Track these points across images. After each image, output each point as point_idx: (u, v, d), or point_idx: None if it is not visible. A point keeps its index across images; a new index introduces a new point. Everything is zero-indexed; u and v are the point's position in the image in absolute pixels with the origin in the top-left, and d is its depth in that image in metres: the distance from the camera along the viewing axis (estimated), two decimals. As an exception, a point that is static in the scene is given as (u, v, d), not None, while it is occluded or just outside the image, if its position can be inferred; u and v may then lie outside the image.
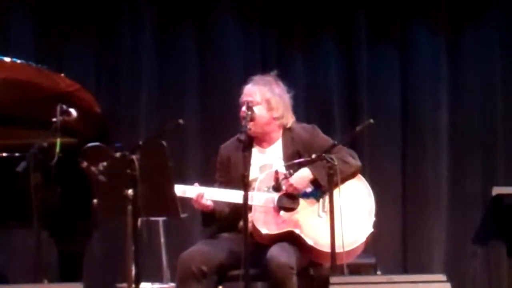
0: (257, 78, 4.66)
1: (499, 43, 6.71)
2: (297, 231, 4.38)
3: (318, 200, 4.47)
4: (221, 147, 4.72)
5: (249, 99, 4.55)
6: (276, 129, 4.63)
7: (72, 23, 6.53)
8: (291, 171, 4.38)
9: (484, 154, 6.66)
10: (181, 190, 4.34)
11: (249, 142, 4.50)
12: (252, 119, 4.44)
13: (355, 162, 4.52)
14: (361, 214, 4.44)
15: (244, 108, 4.49)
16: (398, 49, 6.74)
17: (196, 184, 4.46)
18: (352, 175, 4.49)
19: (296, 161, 4.43)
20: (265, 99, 4.58)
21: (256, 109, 4.52)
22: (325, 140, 4.60)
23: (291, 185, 4.42)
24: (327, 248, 4.22)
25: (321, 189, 4.43)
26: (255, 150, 4.61)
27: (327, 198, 4.35)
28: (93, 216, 4.52)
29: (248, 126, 4.37)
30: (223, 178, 4.63)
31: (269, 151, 4.64)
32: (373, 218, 4.45)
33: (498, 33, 6.72)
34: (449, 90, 6.71)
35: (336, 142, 4.43)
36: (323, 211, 4.42)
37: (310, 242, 4.36)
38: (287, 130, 4.63)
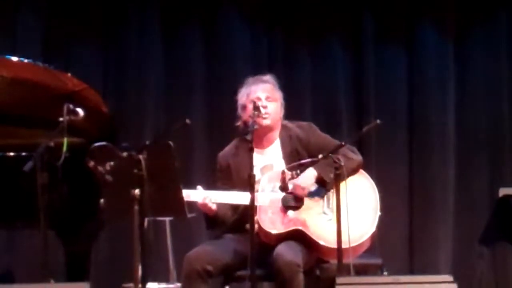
0: (264, 77, 4.69)
1: (506, 43, 6.70)
2: (303, 229, 4.40)
3: (322, 197, 4.48)
4: (219, 156, 4.73)
5: (268, 94, 4.60)
6: (278, 127, 4.67)
7: (80, 23, 6.53)
8: (298, 171, 4.37)
9: (491, 155, 6.65)
10: (185, 194, 4.31)
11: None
12: (268, 112, 4.53)
13: (357, 157, 4.57)
14: (366, 209, 4.47)
15: (251, 107, 4.50)
16: (405, 49, 6.73)
17: (199, 187, 4.46)
18: (355, 170, 4.52)
19: (301, 161, 4.43)
20: (278, 96, 4.67)
21: (272, 105, 4.59)
22: (323, 137, 4.63)
23: (298, 186, 4.43)
24: (333, 245, 4.23)
25: (325, 187, 4.44)
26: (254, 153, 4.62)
27: (331, 195, 4.40)
28: (100, 216, 4.51)
29: (265, 116, 4.47)
30: (226, 185, 4.62)
31: (268, 151, 4.66)
32: (378, 213, 4.47)
33: (505, 33, 6.71)
34: (456, 91, 6.69)
35: (343, 143, 4.43)
36: (328, 208, 4.43)
37: (316, 239, 4.38)
38: (283, 129, 4.67)
